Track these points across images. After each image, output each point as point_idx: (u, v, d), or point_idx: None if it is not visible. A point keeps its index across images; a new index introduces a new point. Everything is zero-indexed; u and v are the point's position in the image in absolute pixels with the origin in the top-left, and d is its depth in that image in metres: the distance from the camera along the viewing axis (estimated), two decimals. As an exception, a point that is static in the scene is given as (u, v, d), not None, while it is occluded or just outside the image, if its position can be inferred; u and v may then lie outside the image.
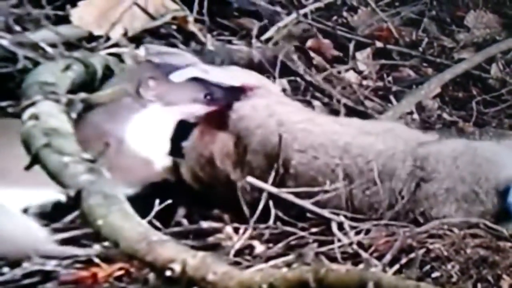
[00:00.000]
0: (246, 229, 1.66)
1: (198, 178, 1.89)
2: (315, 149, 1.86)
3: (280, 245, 1.67)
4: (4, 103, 1.72)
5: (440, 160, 1.87)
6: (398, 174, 1.86)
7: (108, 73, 1.92)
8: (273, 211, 1.75)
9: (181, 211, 1.80)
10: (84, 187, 1.46)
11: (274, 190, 1.77)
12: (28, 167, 1.49)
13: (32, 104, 1.61)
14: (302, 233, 1.72)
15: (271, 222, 1.73)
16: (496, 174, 1.88)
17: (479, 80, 2.81)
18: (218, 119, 1.90)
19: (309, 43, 2.56)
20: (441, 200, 1.85)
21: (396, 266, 1.65)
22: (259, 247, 1.64)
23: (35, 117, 1.57)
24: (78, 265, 1.47)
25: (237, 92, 1.93)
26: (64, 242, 1.54)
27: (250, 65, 2.28)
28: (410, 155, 1.87)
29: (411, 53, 2.83)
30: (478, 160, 1.89)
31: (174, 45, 2.21)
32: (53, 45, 1.98)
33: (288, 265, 1.56)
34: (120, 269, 1.44)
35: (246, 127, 1.89)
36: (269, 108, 1.90)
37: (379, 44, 2.76)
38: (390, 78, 2.64)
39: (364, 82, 2.54)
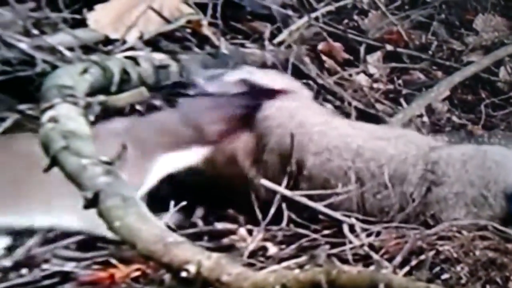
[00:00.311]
0: (259, 231, 1.65)
1: (220, 173, 1.90)
2: (329, 151, 1.86)
3: (292, 246, 1.67)
4: (23, 106, 1.72)
5: (450, 164, 1.88)
6: (409, 178, 1.86)
7: (125, 76, 1.92)
8: (286, 213, 1.75)
9: (199, 212, 1.81)
10: (102, 189, 1.47)
11: (287, 192, 1.77)
12: (47, 169, 1.49)
13: (51, 107, 1.61)
14: (314, 236, 1.72)
15: (284, 224, 1.73)
16: (505, 177, 1.89)
17: (488, 83, 2.80)
18: (246, 119, 1.91)
19: (321, 46, 2.56)
20: (451, 204, 1.85)
21: (407, 268, 1.66)
22: (272, 249, 1.64)
23: (54, 119, 1.57)
24: (95, 266, 1.47)
25: (273, 94, 1.94)
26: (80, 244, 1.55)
27: (263, 68, 2.28)
28: (421, 159, 1.87)
29: (421, 56, 2.83)
30: (488, 164, 1.90)
31: (188, 48, 2.22)
32: (70, 49, 1.99)
33: (301, 266, 1.57)
34: (137, 270, 1.44)
35: (267, 126, 1.90)
36: (292, 110, 1.91)
37: (389, 47, 2.75)
38: (400, 81, 2.64)
39: (375, 85, 2.53)
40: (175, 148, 1.80)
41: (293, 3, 2.65)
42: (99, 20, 2.13)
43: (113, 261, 1.46)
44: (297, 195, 1.77)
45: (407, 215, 1.86)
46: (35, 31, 2.00)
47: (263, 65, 2.28)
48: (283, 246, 1.67)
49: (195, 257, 1.43)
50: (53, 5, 2.14)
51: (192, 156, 1.84)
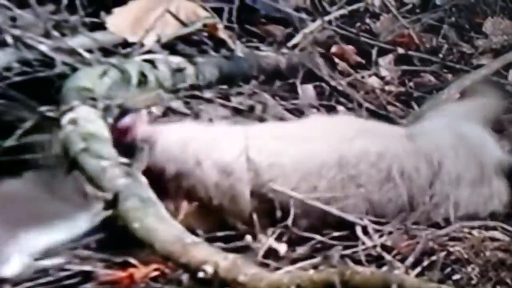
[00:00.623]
0: (273, 232, 1.65)
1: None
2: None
3: (306, 247, 1.66)
4: (43, 108, 1.73)
5: (444, 155, 1.87)
6: (412, 175, 1.85)
7: (143, 79, 1.92)
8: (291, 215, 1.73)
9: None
10: (121, 191, 1.47)
11: (300, 196, 1.75)
12: (67, 171, 1.50)
13: (71, 109, 1.61)
14: (324, 238, 1.72)
15: (290, 224, 1.72)
16: (491, 153, 1.93)
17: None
18: None
19: (333, 49, 2.55)
20: (454, 186, 1.86)
21: (418, 269, 1.65)
22: (286, 250, 1.64)
23: (73, 122, 1.57)
24: (116, 266, 1.47)
25: None
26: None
27: (277, 70, 2.28)
28: (414, 153, 1.87)
29: (432, 59, 2.82)
30: (472, 146, 1.93)
31: (205, 52, 2.22)
32: (89, 51, 1.99)
33: (315, 267, 1.56)
34: (156, 270, 1.44)
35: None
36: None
37: (400, 50, 2.75)
38: (411, 84, 2.63)
39: (387, 88, 2.52)
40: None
41: (307, 7, 2.65)
42: (118, 23, 2.14)
43: (132, 261, 1.46)
44: (310, 199, 1.75)
45: (418, 215, 1.85)
46: (55, 33, 2.00)
47: (277, 68, 2.28)
48: (297, 247, 1.66)
49: (212, 258, 1.44)
50: (72, 8, 2.15)
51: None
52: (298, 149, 1.80)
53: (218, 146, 1.73)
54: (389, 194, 1.81)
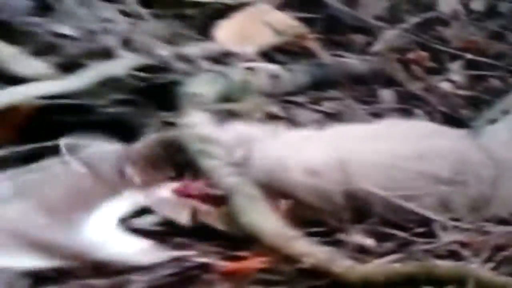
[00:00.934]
0: (362, 228, 1.69)
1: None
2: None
3: (392, 243, 1.70)
4: (164, 113, 1.78)
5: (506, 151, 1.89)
6: (479, 170, 1.87)
7: (246, 85, 1.97)
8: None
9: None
10: (231, 188, 1.53)
11: (383, 193, 1.78)
12: (184, 171, 1.56)
13: (187, 114, 1.67)
14: (406, 234, 1.74)
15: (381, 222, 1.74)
16: None
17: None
18: None
19: (410, 55, 2.56)
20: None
21: (492, 263, 1.66)
22: (374, 245, 1.68)
23: (190, 125, 1.63)
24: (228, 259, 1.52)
25: None
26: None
27: (360, 76, 2.30)
28: (478, 150, 1.88)
29: (497, 64, 2.81)
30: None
31: (297, 59, 2.25)
32: (200, 59, 2.04)
33: (400, 260, 1.60)
34: (264, 261, 1.48)
35: None
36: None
37: (469, 55, 2.74)
38: (480, 88, 2.63)
39: (458, 92, 2.53)
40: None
41: (385, 16, 2.66)
42: (224, 34, 2.18)
43: (244, 253, 1.51)
44: (393, 197, 1.77)
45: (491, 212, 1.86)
46: (173, 42, 2.05)
47: (360, 74, 2.30)
48: (385, 242, 1.69)
49: (310, 251, 1.49)
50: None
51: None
52: (381, 147, 1.83)
53: (305, 149, 1.76)
54: (459, 190, 1.84)
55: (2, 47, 1.80)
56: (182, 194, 1.63)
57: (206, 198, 1.59)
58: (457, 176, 1.82)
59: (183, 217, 1.60)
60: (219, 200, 1.58)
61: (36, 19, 2.02)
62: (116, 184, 1.62)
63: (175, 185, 1.62)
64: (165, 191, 1.63)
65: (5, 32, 1.94)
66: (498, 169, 1.87)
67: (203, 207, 1.60)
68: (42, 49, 1.95)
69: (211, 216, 1.60)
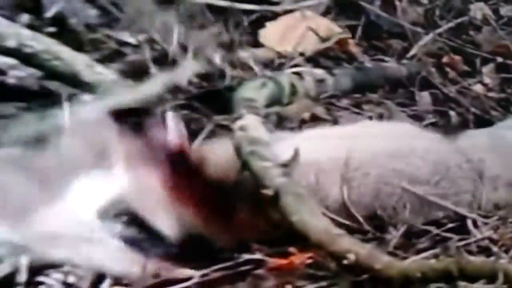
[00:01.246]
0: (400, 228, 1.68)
1: None
2: None
3: (427, 239, 1.68)
4: (218, 117, 1.79)
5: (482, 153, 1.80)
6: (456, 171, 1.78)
7: (293, 89, 1.96)
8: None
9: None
10: (281, 188, 1.53)
11: (421, 192, 1.76)
12: (241, 172, 1.56)
13: (240, 117, 1.67)
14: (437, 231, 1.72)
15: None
16: None
17: None
18: None
19: (444, 59, 2.54)
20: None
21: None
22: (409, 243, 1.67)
23: (242, 128, 1.62)
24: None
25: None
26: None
27: (398, 80, 2.29)
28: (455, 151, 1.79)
29: (526, 68, 2.77)
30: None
31: (340, 64, 2.25)
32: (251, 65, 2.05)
33: (435, 256, 1.59)
34: (310, 257, 1.48)
35: None
36: None
37: (499, 59, 2.71)
38: (510, 90, 2.60)
39: (489, 94, 2.50)
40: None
41: (421, 21, 2.63)
42: (269, 38, 2.18)
43: (292, 249, 1.51)
44: (430, 195, 1.75)
45: None
46: (225, 49, 2.05)
47: (399, 78, 2.29)
48: (421, 239, 1.68)
49: (354, 247, 1.48)
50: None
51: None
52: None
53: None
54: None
55: (75, 55, 1.81)
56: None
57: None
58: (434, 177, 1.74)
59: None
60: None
61: (102, 28, 2.04)
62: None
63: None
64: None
65: (74, 40, 1.96)
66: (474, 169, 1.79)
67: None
68: (107, 57, 1.97)
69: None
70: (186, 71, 1.91)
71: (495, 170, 1.80)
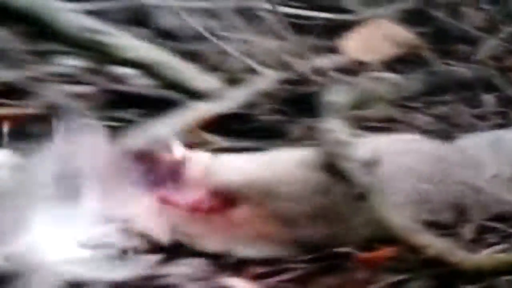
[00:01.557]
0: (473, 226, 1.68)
1: None
2: None
3: (495, 235, 1.68)
4: (307, 121, 1.83)
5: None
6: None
7: (372, 94, 1.99)
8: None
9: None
10: (367, 186, 1.56)
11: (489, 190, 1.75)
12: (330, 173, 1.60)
13: (327, 120, 1.71)
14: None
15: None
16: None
17: None
18: None
19: (507, 62, 2.52)
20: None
21: None
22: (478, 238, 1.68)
23: (330, 131, 1.66)
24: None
25: None
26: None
27: (465, 82, 2.29)
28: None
29: None
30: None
31: (412, 69, 2.26)
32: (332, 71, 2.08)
33: (504, 251, 1.60)
34: (391, 251, 1.51)
35: None
36: None
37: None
38: None
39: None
40: None
41: (484, 26, 2.62)
42: (352, 47, 2.21)
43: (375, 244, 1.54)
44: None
45: None
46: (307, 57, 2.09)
47: (465, 81, 2.29)
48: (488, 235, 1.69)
49: (431, 242, 1.50)
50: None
51: None
52: None
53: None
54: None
55: (184, 65, 1.87)
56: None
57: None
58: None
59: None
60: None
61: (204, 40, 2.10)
62: None
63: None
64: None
65: (178, 51, 2.02)
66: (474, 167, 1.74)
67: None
68: (209, 66, 2.03)
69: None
70: (269, 78, 1.95)
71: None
